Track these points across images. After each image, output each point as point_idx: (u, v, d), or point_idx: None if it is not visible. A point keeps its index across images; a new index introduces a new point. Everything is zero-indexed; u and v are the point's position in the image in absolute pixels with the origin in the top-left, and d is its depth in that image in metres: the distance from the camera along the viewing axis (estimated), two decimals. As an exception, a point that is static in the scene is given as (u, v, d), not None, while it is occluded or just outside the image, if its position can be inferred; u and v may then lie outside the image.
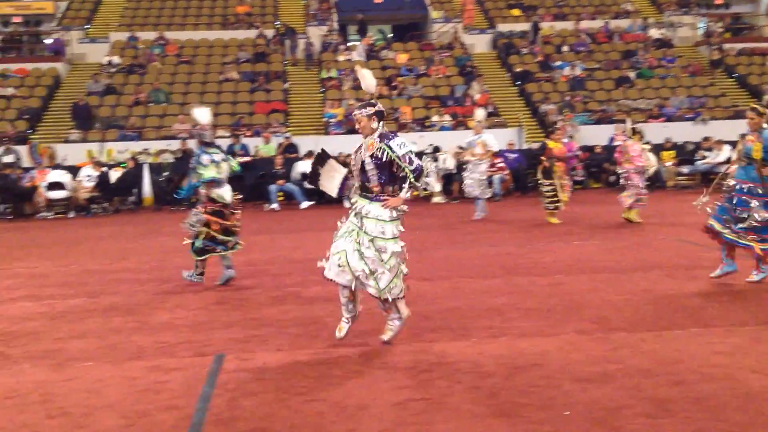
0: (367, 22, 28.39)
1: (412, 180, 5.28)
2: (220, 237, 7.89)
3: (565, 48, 26.65)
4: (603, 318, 6.06)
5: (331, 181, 5.66)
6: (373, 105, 5.44)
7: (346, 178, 5.65)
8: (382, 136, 5.34)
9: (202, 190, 7.90)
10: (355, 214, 5.37)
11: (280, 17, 29.10)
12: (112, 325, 6.39)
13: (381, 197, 5.34)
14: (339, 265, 5.28)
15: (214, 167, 7.83)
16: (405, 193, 5.34)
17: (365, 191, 5.38)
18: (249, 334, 5.94)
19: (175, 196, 9.84)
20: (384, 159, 5.26)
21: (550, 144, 12.68)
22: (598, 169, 20.15)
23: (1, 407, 4.41)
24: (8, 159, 19.70)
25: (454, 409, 4.15)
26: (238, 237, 8.11)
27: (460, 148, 16.47)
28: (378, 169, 5.29)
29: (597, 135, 21.37)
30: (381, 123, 5.43)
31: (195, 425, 4.03)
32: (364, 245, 5.25)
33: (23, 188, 18.06)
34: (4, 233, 14.87)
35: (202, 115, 7.98)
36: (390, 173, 5.34)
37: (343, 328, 5.51)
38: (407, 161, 5.26)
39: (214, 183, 7.85)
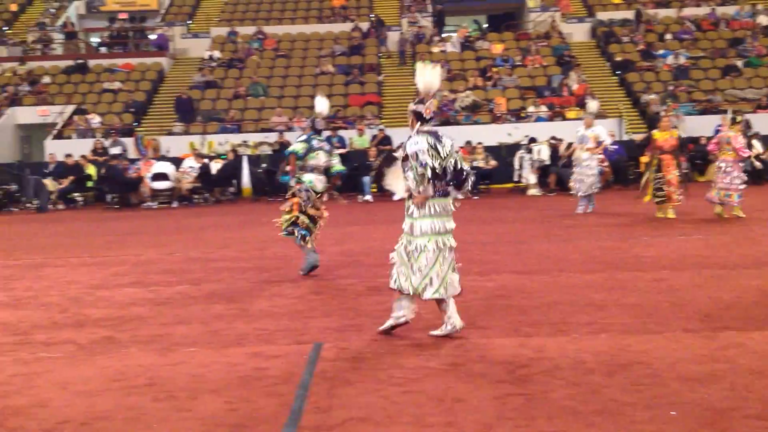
0: (462, 13, 28.20)
1: (413, 179, 5.28)
2: (306, 222, 7.96)
3: (668, 36, 25.76)
4: (710, 316, 5.82)
5: (398, 181, 5.62)
6: (415, 104, 5.47)
7: None
8: (411, 137, 5.41)
9: (288, 166, 8.11)
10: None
11: (375, 10, 29.24)
12: (214, 312, 6.55)
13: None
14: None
15: (304, 146, 7.98)
16: (418, 190, 5.32)
17: None
18: (346, 324, 5.98)
19: (279, 180, 10.15)
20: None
21: (656, 135, 12.20)
22: (703, 162, 19.36)
23: (109, 390, 4.57)
24: (115, 151, 20.54)
25: (554, 405, 4.06)
26: (318, 227, 8.13)
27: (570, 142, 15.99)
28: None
29: (702, 126, 20.54)
30: (418, 123, 5.44)
31: (295, 412, 4.08)
32: (400, 242, 5.43)
33: (129, 179, 18.79)
34: (111, 222, 15.52)
35: (321, 104, 8.28)
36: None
37: (385, 323, 5.57)
38: (415, 159, 5.28)
39: (306, 167, 7.95)
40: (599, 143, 13.24)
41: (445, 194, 5.50)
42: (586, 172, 13.19)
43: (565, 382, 4.41)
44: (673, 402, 4.05)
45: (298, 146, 8.07)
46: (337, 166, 8.24)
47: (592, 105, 14.09)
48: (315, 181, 8.01)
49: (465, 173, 5.49)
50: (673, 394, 4.18)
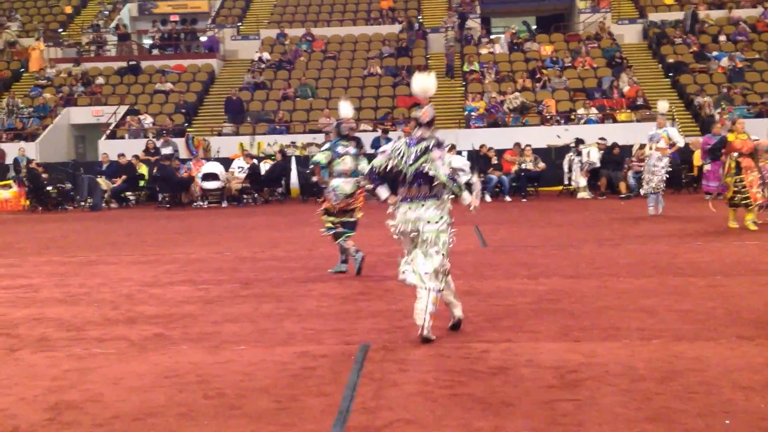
0: (511, 14, 28.02)
1: None
2: (335, 223, 8.23)
3: (722, 38, 25.23)
4: (766, 323, 5.68)
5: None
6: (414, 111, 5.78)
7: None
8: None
9: (315, 177, 8.47)
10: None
11: (423, 11, 29.21)
12: (263, 311, 6.61)
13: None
14: None
15: (327, 154, 8.18)
16: None
17: None
18: (393, 325, 5.98)
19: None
20: None
21: (731, 137, 11.89)
22: (758, 166, 18.92)
23: (161, 386, 4.64)
24: (167, 151, 20.87)
25: (605, 411, 4.00)
26: (352, 227, 8.31)
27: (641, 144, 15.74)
28: None
29: (757, 129, 20.02)
30: (416, 128, 5.76)
31: (342, 412, 4.09)
32: None
33: (181, 178, 19.09)
34: (163, 221, 15.78)
35: (345, 108, 8.40)
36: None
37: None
38: None
39: (333, 173, 8.15)
40: (672, 145, 13.01)
41: (420, 199, 5.56)
42: (654, 171, 12.97)
43: (616, 389, 4.34)
44: (728, 410, 3.96)
45: (320, 156, 8.30)
46: (364, 168, 8.33)
47: (663, 105, 13.89)
48: (342, 184, 8.15)
49: (435, 178, 5.56)
50: (727, 402, 4.09)
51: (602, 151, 18.36)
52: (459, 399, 4.27)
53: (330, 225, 8.26)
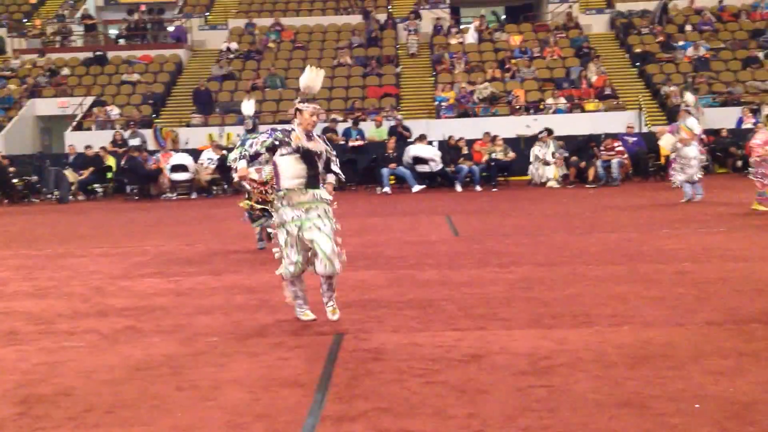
0: (480, 4, 28.05)
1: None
2: (257, 210, 8.94)
3: (688, 27, 25.50)
4: (734, 309, 5.78)
5: None
6: (298, 102, 5.79)
7: None
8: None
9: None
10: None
11: (392, 2, 29.13)
12: (235, 303, 6.58)
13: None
14: None
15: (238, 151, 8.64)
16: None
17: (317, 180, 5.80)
18: (366, 315, 5.99)
19: None
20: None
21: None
22: (724, 154, 19.21)
23: (133, 379, 4.60)
24: (134, 142, 20.63)
25: (578, 397, 4.05)
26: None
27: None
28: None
29: (723, 118, 20.36)
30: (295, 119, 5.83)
31: (317, 402, 4.10)
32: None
33: (149, 170, 18.88)
34: (131, 213, 15.61)
35: (247, 107, 9.23)
36: None
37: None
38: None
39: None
40: (693, 134, 13.13)
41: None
42: (684, 162, 13.03)
43: (588, 374, 4.40)
44: (698, 395, 4.03)
45: (233, 154, 8.69)
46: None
47: (690, 97, 14.08)
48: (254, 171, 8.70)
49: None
50: (697, 386, 4.15)
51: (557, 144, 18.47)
52: (433, 387, 4.29)
53: (249, 210, 9.09)
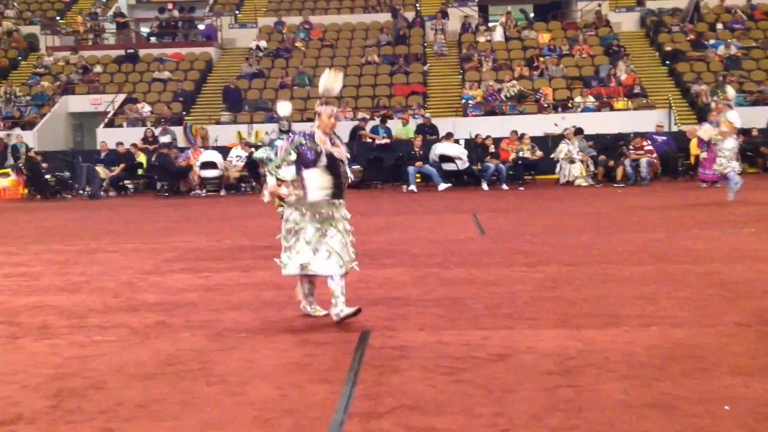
0: (508, 2, 27.94)
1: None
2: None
3: (719, 26, 25.20)
4: (764, 310, 5.71)
5: None
6: (318, 105, 5.70)
7: None
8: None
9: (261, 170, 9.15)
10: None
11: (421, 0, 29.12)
12: (264, 299, 6.64)
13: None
14: None
15: (266, 150, 8.71)
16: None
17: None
18: (392, 313, 6.01)
19: None
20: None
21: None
22: (754, 153, 18.98)
23: (163, 374, 4.66)
24: (165, 139, 20.84)
25: (605, 398, 4.03)
26: None
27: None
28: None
29: (753, 117, 20.09)
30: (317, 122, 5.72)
31: (344, 398, 4.13)
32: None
33: (179, 167, 19.07)
34: (162, 209, 15.78)
35: (283, 108, 8.99)
36: None
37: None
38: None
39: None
40: (732, 127, 13.01)
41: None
42: (720, 155, 12.94)
43: (616, 375, 4.38)
44: (727, 396, 4.00)
45: (259, 153, 8.94)
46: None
47: (731, 92, 13.96)
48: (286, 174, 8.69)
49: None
50: (726, 388, 4.12)
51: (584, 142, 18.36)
52: (460, 385, 4.30)
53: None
